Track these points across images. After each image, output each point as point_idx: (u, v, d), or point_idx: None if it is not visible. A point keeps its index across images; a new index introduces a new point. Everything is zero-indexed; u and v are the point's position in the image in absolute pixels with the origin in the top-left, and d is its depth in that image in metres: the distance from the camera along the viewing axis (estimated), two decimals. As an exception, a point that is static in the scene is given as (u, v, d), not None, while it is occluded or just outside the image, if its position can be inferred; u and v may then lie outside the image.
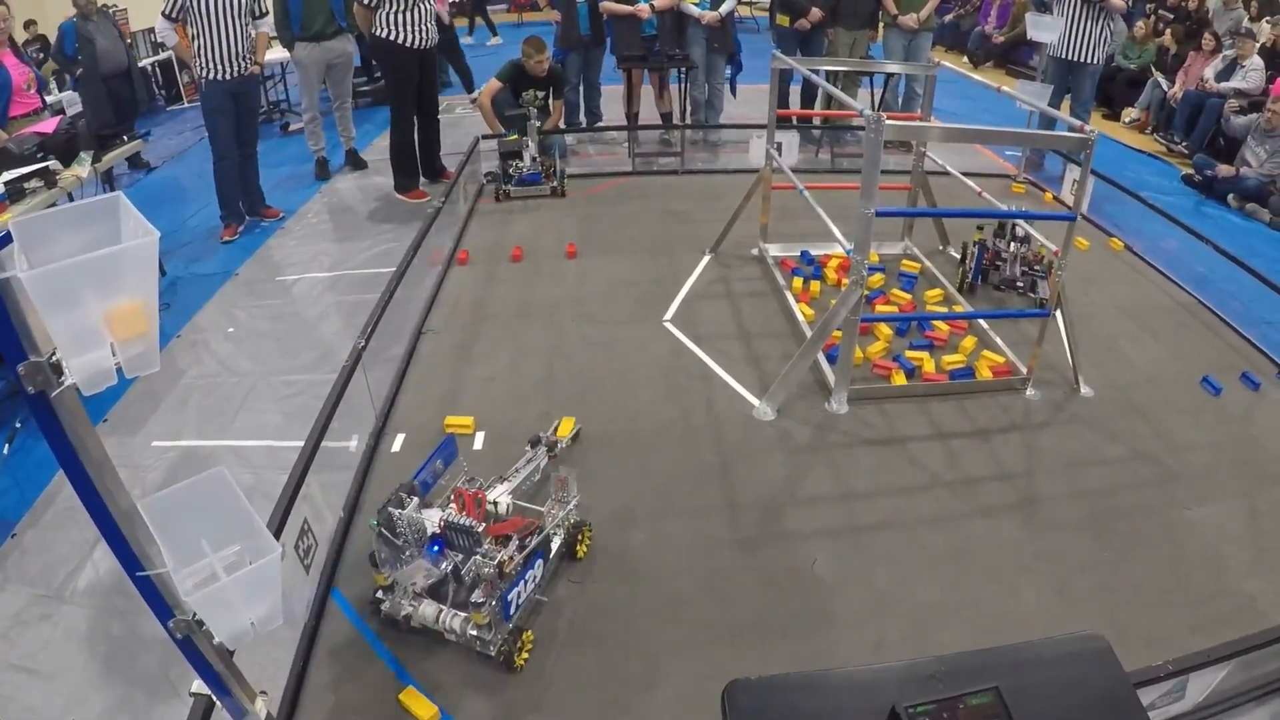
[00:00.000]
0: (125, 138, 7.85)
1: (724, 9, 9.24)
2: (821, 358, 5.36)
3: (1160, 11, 13.87)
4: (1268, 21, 12.56)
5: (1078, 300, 6.07)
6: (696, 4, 9.21)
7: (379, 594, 3.60)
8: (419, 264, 5.95)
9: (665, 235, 7.43)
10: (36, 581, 4.07)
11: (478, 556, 3.47)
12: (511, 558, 3.47)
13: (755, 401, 5.10)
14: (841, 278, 6.38)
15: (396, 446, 4.77)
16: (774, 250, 6.95)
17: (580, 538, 3.96)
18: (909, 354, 5.54)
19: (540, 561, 3.68)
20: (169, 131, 11.49)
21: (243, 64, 7.32)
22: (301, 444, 3.82)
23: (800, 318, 5.90)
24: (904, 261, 6.84)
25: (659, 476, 4.52)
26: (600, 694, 3.38)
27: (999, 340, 5.71)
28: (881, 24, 9.91)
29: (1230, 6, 12.89)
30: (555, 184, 8.29)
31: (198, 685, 2.41)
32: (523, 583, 3.55)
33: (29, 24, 12.94)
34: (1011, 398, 5.26)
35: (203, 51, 7.16)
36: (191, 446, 4.98)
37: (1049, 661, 2.07)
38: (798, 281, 6.37)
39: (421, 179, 8.67)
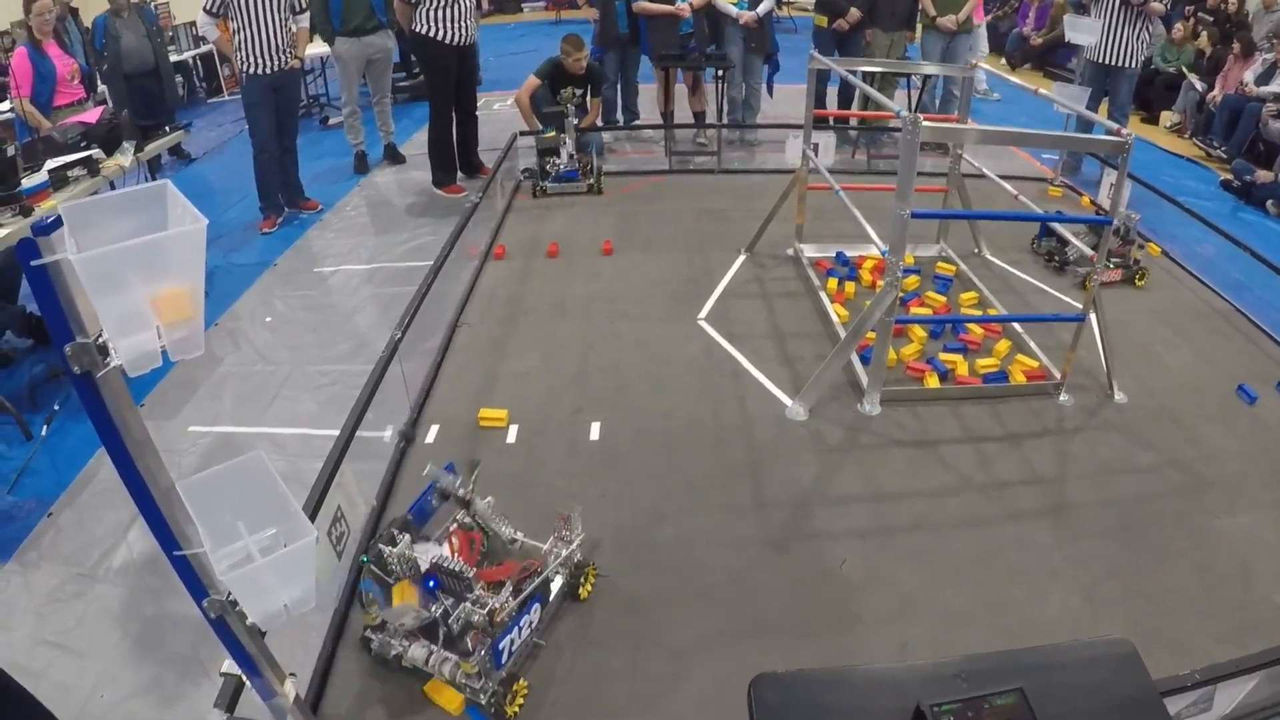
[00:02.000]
0: (168, 128, 7.93)
1: (761, 9, 9.26)
2: (855, 359, 5.37)
3: (1199, 14, 13.73)
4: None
5: (1113, 306, 6.05)
6: (734, 4, 9.22)
7: (368, 632, 3.50)
8: (456, 258, 6.01)
9: (701, 234, 7.46)
10: (71, 560, 4.17)
11: (467, 603, 3.24)
12: (504, 605, 3.29)
13: (788, 401, 5.12)
14: (876, 279, 6.38)
15: (430, 438, 4.82)
16: (809, 251, 6.96)
17: (584, 578, 3.78)
18: (943, 356, 5.54)
19: (538, 606, 3.53)
20: (209, 124, 11.64)
21: (283, 58, 7.40)
22: (336, 433, 3.88)
23: (834, 318, 5.92)
24: (939, 264, 6.84)
25: (689, 473, 4.55)
26: (628, 688, 3.40)
27: (1033, 344, 5.70)
28: (919, 25, 9.90)
29: (1270, 9, 12.74)
30: (592, 181, 8.35)
31: (228, 665, 2.47)
32: (516, 630, 3.39)
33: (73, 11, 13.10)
34: (1044, 402, 5.25)
35: (243, 46, 7.25)
36: (227, 433, 5.07)
37: (1074, 664, 2.07)
38: (832, 282, 6.38)
39: (459, 174, 8.73)
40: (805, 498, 4.41)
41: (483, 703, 3.26)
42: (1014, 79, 6.78)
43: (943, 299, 6.27)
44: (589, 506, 4.06)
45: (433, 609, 3.26)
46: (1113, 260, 6.79)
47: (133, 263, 1.66)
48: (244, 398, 5.41)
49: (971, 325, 5.90)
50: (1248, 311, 6.43)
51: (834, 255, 6.87)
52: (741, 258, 6.97)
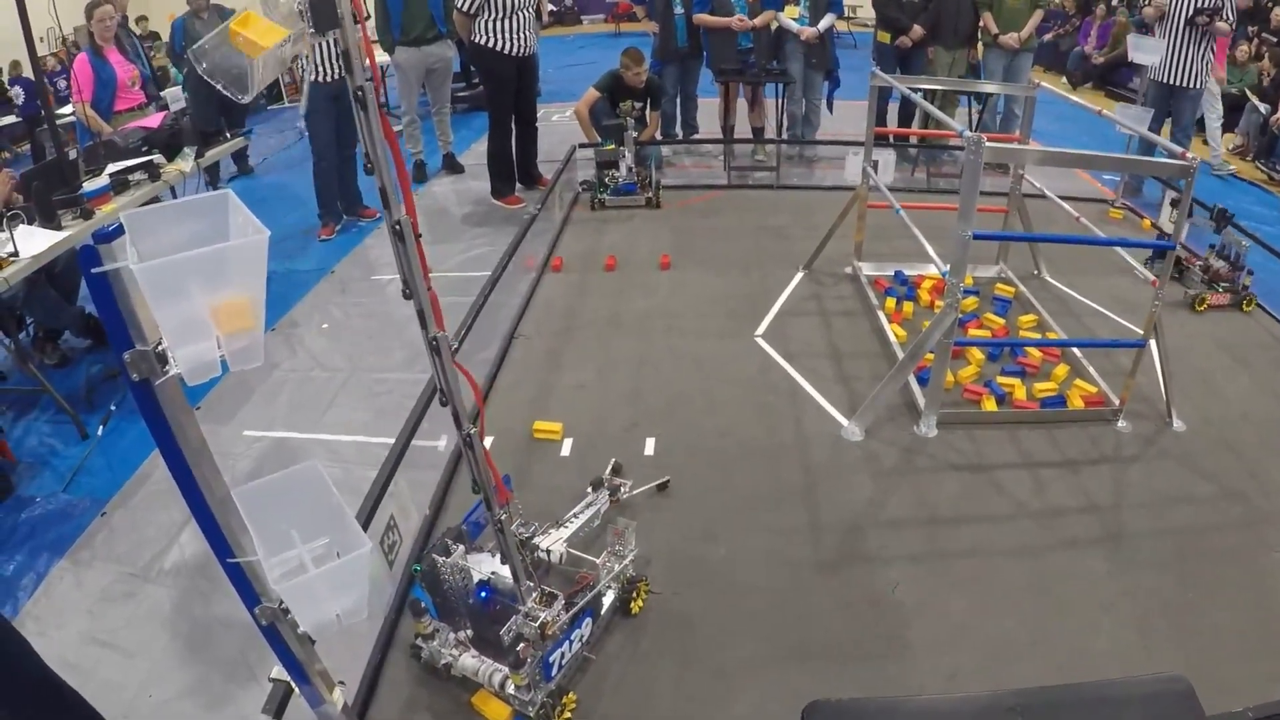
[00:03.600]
0: (228, 135, 8.05)
1: (823, 25, 9.26)
2: (912, 380, 5.35)
3: (1263, 35, 13.56)
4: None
5: (1175, 332, 6.01)
6: (796, 19, 9.23)
7: (418, 640, 3.51)
8: (514, 269, 6.08)
9: (759, 250, 7.47)
10: (124, 560, 4.27)
11: (519, 615, 3.25)
12: (556, 618, 3.28)
13: (844, 421, 5.12)
14: (935, 299, 6.37)
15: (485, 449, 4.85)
16: (868, 269, 6.95)
17: (636, 593, 3.77)
18: (1000, 380, 5.51)
19: (589, 620, 3.53)
20: (269, 130, 11.81)
21: (341, 66, 7.48)
22: (391, 441, 3.94)
23: (892, 338, 5.91)
24: (998, 285, 6.81)
25: (742, 492, 4.55)
26: (674, 707, 3.42)
27: (1092, 369, 5.66)
28: (981, 43, 9.86)
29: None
30: (650, 195, 8.38)
31: (277, 671, 2.48)
32: (567, 643, 3.39)
33: (140, 20, 13.32)
34: (1102, 429, 5.21)
35: (305, 54, 7.33)
36: (282, 438, 5.15)
37: (1129, 700, 2.07)
38: (890, 301, 6.38)
39: (518, 185, 8.80)
40: (858, 520, 4.40)
41: (531, 715, 3.26)
42: (1075, 98, 6.73)
43: (1001, 321, 6.24)
44: (643, 522, 4.11)
45: (484, 618, 3.31)
46: (1222, 285, 6.78)
47: (194, 273, 1.68)
48: (299, 403, 5.49)
49: (1030, 348, 5.86)
50: (1313, 342, 6.34)
51: (892, 274, 6.85)
52: (799, 275, 6.97)
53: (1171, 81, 8.93)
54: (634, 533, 3.85)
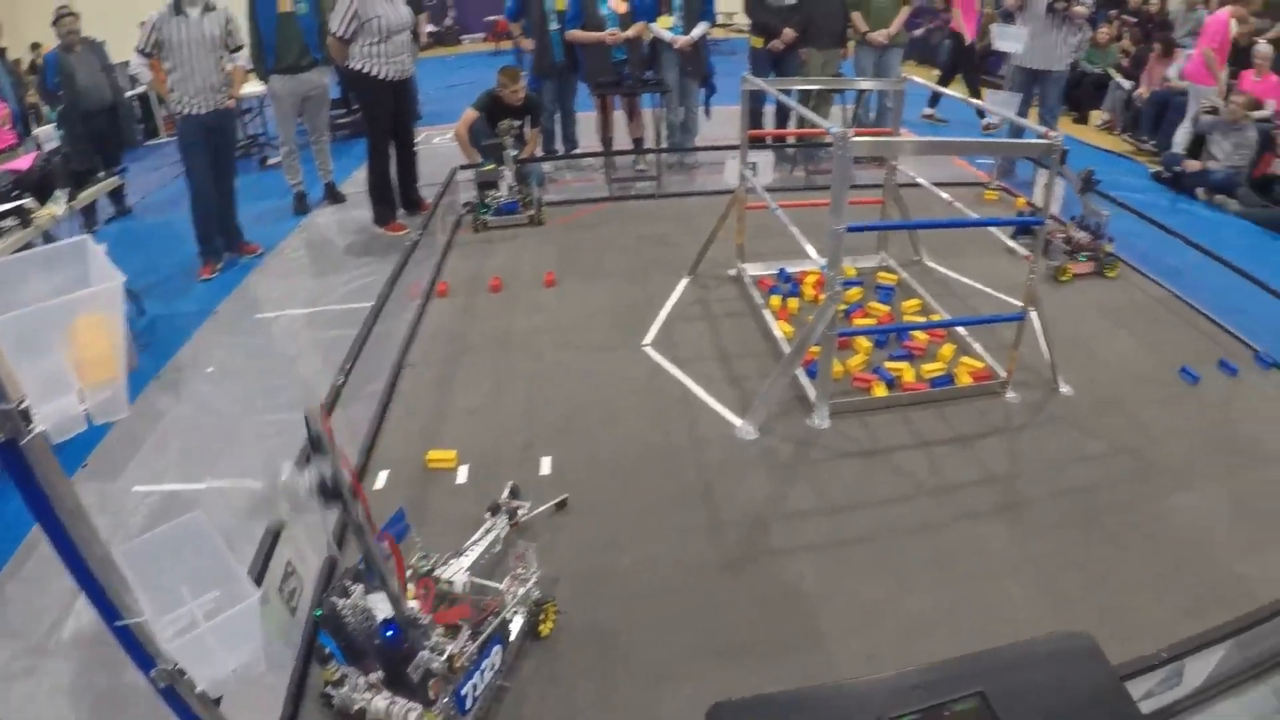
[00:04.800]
0: (102, 174, 7.79)
1: (696, 33, 9.30)
2: (801, 374, 5.38)
3: (1122, 16, 14.04)
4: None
5: (1053, 301, 6.13)
6: (669, 29, 9.27)
7: (328, 688, 3.33)
8: (397, 297, 5.97)
9: (643, 259, 7.46)
10: (20, 634, 4.04)
11: (425, 651, 3.15)
12: (463, 649, 3.23)
13: (737, 421, 5.11)
14: (818, 294, 6.39)
15: (380, 484, 4.74)
16: (751, 269, 6.98)
17: (544, 615, 3.70)
18: (888, 365, 5.57)
19: (498, 648, 3.43)
20: (147, 167, 11.44)
21: (218, 98, 7.33)
22: (282, 485, 3.83)
23: (779, 335, 5.93)
24: (880, 274, 6.90)
25: (643, 500, 4.52)
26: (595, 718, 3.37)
27: (977, 346, 5.76)
28: (852, 42, 10.00)
29: (1193, 8, 13.04)
30: (533, 212, 8.32)
31: None
32: (478, 673, 3.30)
33: (34, 46, 12.93)
34: (992, 402, 5.30)
35: (178, 86, 7.16)
36: (174, 490, 4.94)
37: (1034, 662, 2.05)
38: (775, 300, 6.41)
39: (400, 211, 8.68)
40: (760, 516, 4.40)
41: None
42: (947, 90, 6.85)
43: (886, 308, 6.31)
44: (545, 542, 4.08)
45: (388, 657, 3.17)
46: (1084, 254, 6.99)
47: (51, 323, 1.62)
48: (189, 453, 5.29)
49: (915, 332, 5.93)
50: (1184, 296, 6.53)
51: (776, 272, 6.89)
52: (684, 281, 6.97)
53: (1035, 66, 9.14)
54: (535, 554, 3.76)
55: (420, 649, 3.15)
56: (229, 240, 8.07)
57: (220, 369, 6.18)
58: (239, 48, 7.60)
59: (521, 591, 3.64)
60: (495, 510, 4.21)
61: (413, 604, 3.26)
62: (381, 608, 3.22)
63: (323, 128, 9.39)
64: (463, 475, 4.78)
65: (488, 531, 4.03)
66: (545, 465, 4.82)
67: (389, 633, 3.16)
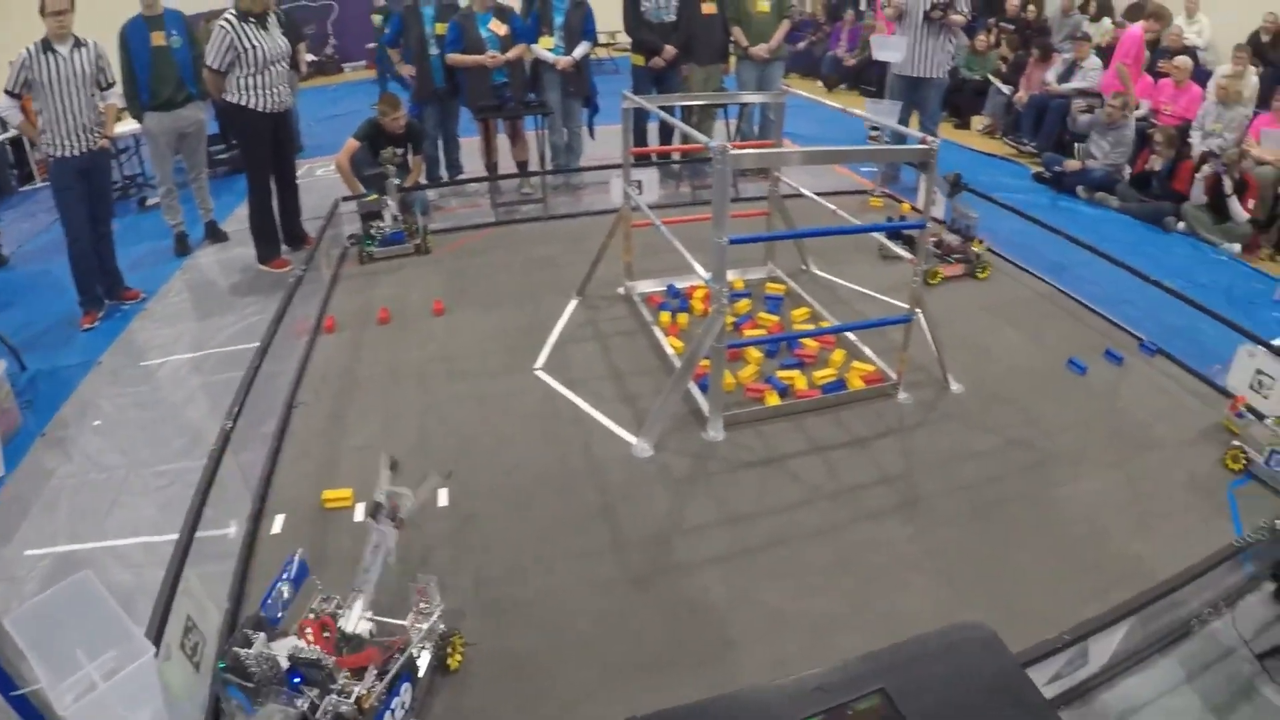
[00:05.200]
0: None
1: (577, 54, 9.28)
2: (694, 388, 5.35)
3: (1000, 24, 14.40)
4: (1109, 19, 13.16)
5: (941, 302, 6.21)
6: (551, 50, 9.24)
7: None
8: (284, 336, 5.82)
9: (532, 282, 7.38)
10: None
11: (333, 695, 3.10)
12: (371, 690, 3.17)
13: (632, 439, 5.07)
14: (707, 308, 6.38)
15: (277, 528, 4.57)
16: (640, 287, 6.95)
17: (451, 649, 3.62)
18: (780, 374, 5.57)
19: (407, 685, 3.34)
20: (22, 214, 11.02)
21: (91, 138, 7.08)
22: (177, 537, 3.68)
23: (670, 351, 5.91)
24: (769, 284, 6.92)
25: (543, 525, 4.45)
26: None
27: (867, 350, 5.81)
28: (734, 56, 10.07)
29: (1068, 14, 13.45)
30: (418, 241, 8.17)
31: None
32: (389, 713, 3.22)
33: None
34: (885, 404, 5.34)
35: (49, 127, 6.90)
36: (67, 551, 4.73)
37: (933, 655, 2.05)
38: (665, 316, 6.38)
39: (283, 247, 8.48)
40: (662, 532, 4.37)
41: None
42: (830, 101, 6.92)
43: (775, 318, 6.33)
44: (446, 574, 3.97)
45: (298, 704, 3.06)
46: (954, 256, 7.09)
47: None
48: (80, 511, 5.06)
49: (805, 339, 5.96)
50: (1069, 291, 6.68)
51: (665, 289, 6.87)
52: (574, 302, 6.90)
53: (914, 74, 9.28)
54: (437, 587, 3.64)
55: (328, 692, 3.09)
56: (109, 287, 7.78)
57: (107, 421, 5.94)
58: (111, 84, 7.35)
59: (425, 626, 3.55)
60: (376, 513, 3.85)
61: (315, 648, 3.22)
62: (285, 656, 3.16)
63: (201, 164, 9.09)
64: (360, 513, 4.63)
65: (375, 548, 3.74)
66: (442, 496, 4.70)
67: (295, 680, 3.12)
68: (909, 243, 6.75)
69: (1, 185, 9.62)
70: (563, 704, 3.45)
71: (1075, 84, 11.33)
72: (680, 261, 5.53)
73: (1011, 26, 14.22)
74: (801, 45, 17.52)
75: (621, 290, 7.02)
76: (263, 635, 3.20)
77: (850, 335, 6.00)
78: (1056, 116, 11.21)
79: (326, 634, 3.35)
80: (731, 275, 4.81)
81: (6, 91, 6.83)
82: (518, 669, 3.63)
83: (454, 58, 9.06)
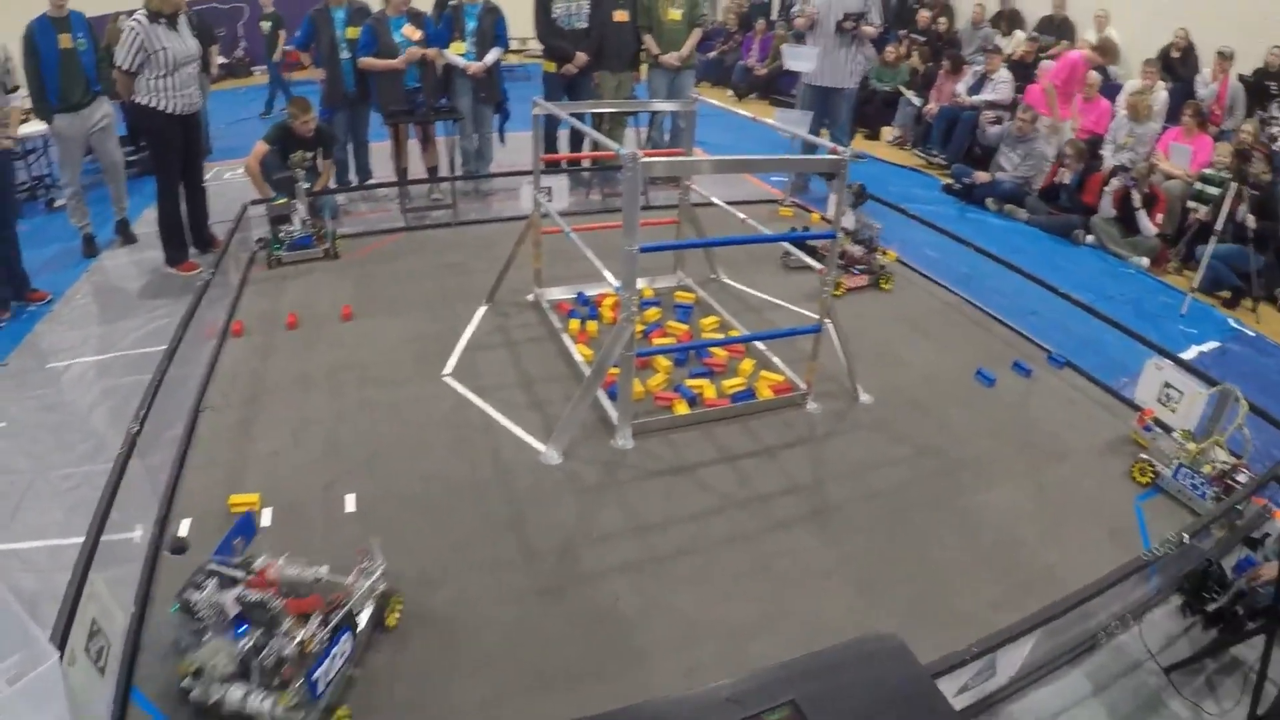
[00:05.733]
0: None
1: (489, 59, 9.21)
2: (603, 395, 5.34)
3: (911, 35, 14.60)
4: (1020, 33, 13.42)
5: (850, 312, 6.25)
6: (462, 55, 9.17)
7: (185, 681, 3.37)
8: (192, 339, 5.70)
9: (441, 289, 7.30)
10: None
11: (278, 636, 3.30)
12: (314, 635, 3.33)
13: (541, 447, 5.03)
14: (617, 315, 6.38)
15: (183, 532, 4.47)
16: (550, 294, 6.92)
17: (389, 606, 3.82)
18: (689, 383, 5.57)
19: (348, 635, 3.51)
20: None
21: None
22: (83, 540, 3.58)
23: (579, 359, 5.88)
24: (678, 293, 6.93)
25: (455, 533, 4.41)
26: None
27: (776, 360, 5.84)
28: (645, 64, 10.08)
29: (979, 26, 13.69)
30: (327, 246, 8.06)
31: None
32: (329, 659, 3.37)
33: None
34: (794, 413, 5.37)
35: None
36: (-29, 555, 4.63)
37: (844, 666, 2.07)
38: (574, 323, 6.36)
39: (192, 250, 8.32)
40: (571, 541, 4.34)
41: None
42: (739, 109, 6.94)
43: (685, 326, 6.32)
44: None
45: (242, 644, 3.27)
46: (858, 267, 7.14)
47: None
48: (-15, 513, 4.95)
49: (714, 348, 5.97)
50: (977, 302, 6.77)
51: (575, 296, 6.84)
52: (483, 309, 6.84)
53: (825, 84, 9.36)
54: (379, 548, 3.79)
55: (272, 634, 3.30)
56: (15, 288, 7.58)
57: (12, 424, 5.77)
58: (15, 88, 7.14)
59: (367, 584, 3.70)
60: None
61: (263, 593, 3.41)
62: (233, 604, 3.37)
63: (117, 161, 8.88)
64: (267, 518, 4.57)
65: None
66: (350, 503, 4.65)
67: (242, 629, 3.33)
68: (814, 252, 6.78)
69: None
70: (466, 715, 3.43)
71: (985, 96, 11.53)
72: (590, 269, 5.52)
73: (923, 39, 14.44)
74: (713, 54, 17.62)
75: (531, 297, 6.97)
76: (214, 582, 3.43)
77: (759, 344, 6.03)
78: (966, 128, 11.40)
79: (273, 582, 3.50)
80: (641, 283, 4.80)
81: None
82: (424, 680, 3.59)
83: (367, 61, 8.95)
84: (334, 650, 3.39)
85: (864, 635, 2.15)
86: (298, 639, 3.28)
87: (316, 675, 3.27)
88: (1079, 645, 3.75)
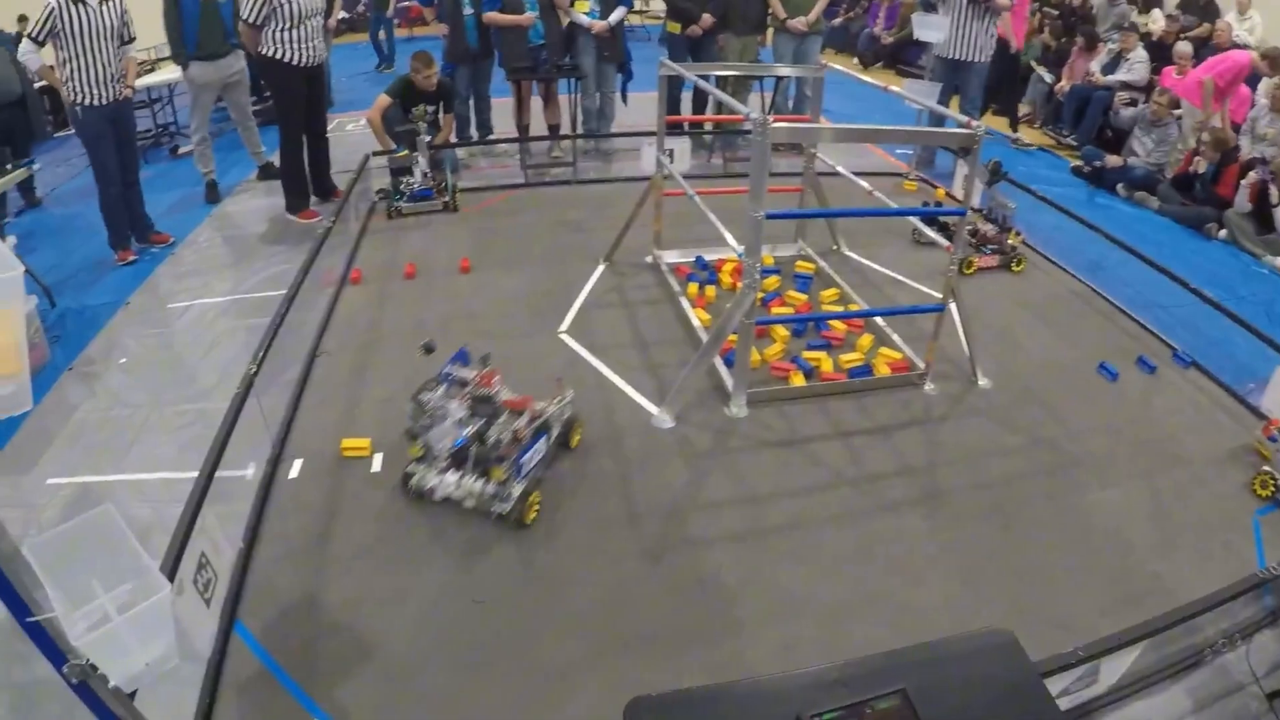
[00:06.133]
0: (9, 166, 7.45)
1: (613, 18, 9.18)
2: (719, 362, 5.30)
3: (1044, 9, 14.15)
4: (1159, 11, 12.95)
5: (973, 293, 6.12)
6: (586, 13, 9.14)
7: (410, 467, 4.30)
8: (310, 285, 5.79)
9: (559, 246, 7.34)
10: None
11: (496, 425, 4.17)
12: (525, 427, 4.22)
13: (654, 409, 5.03)
14: (736, 281, 6.31)
15: (294, 473, 4.59)
16: (668, 257, 6.90)
17: (574, 429, 4.67)
18: (806, 354, 5.51)
19: (544, 439, 4.36)
20: (57, 159, 11.05)
21: (116, 88, 7.07)
22: (196, 475, 3.66)
23: (696, 323, 5.85)
24: (799, 262, 6.84)
25: (560, 489, 4.42)
26: (509, 715, 3.29)
27: (896, 337, 5.73)
28: (771, 28, 9.95)
29: (1115, 2, 13.22)
30: (447, 199, 8.15)
31: None
32: (532, 450, 4.22)
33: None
34: (910, 393, 5.27)
35: (76, 76, 6.87)
36: (87, 483, 4.75)
37: (955, 659, 2.02)
38: (693, 287, 6.33)
39: (312, 199, 8.46)
40: (677, 505, 4.33)
41: (505, 512, 4.06)
42: (866, 78, 6.81)
43: (804, 297, 6.25)
44: (456, 530, 4.11)
45: (465, 431, 4.13)
46: (989, 247, 6.97)
47: None
48: (102, 444, 5.08)
49: (834, 321, 5.90)
50: (1104, 292, 6.56)
51: (694, 260, 6.80)
52: (601, 268, 6.86)
53: (957, 56, 9.14)
54: (566, 386, 4.72)
55: (493, 423, 4.18)
56: (140, 231, 7.80)
57: (133, 360, 5.96)
58: (132, 39, 7.32)
59: (555, 409, 4.54)
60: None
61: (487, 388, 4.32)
62: (460, 402, 4.25)
63: (248, 111, 9.15)
64: (377, 464, 4.66)
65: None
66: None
67: (463, 431, 4.17)
68: (943, 229, 6.65)
69: (36, 130, 9.55)
70: (558, 672, 3.44)
71: (1119, 76, 11.12)
72: (709, 233, 5.49)
73: (1056, 13, 13.97)
74: (838, 20, 17.33)
75: (649, 259, 6.96)
76: (443, 389, 4.30)
77: (879, 320, 5.93)
78: (1099, 109, 11.01)
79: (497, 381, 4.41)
80: (762, 251, 4.72)
81: (29, 37, 6.83)
82: (519, 633, 3.62)
83: (492, 16, 8.98)
84: (535, 445, 4.25)
85: (981, 629, 2.10)
86: (513, 427, 4.16)
87: (523, 460, 4.14)
88: (1182, 660, 3.59)
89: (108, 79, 6.95)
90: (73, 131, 8.94)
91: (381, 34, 15.46)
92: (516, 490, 4.06)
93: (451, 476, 4.15)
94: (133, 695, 2.27)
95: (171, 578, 2.73)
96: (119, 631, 2.00)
